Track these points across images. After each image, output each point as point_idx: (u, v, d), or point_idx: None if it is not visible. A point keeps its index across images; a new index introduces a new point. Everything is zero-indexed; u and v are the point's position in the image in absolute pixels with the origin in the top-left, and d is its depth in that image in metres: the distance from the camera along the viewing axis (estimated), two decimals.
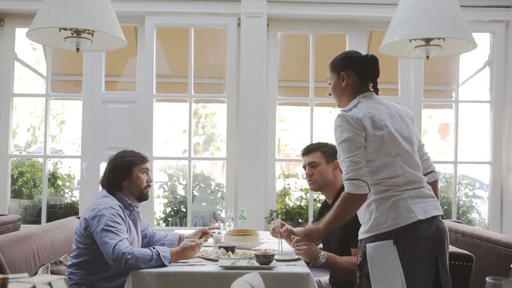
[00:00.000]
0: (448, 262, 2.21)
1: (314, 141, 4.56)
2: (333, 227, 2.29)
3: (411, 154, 2.24)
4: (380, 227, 2.14)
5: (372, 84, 2.38)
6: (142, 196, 2.79)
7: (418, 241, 2.12)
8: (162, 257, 2.44)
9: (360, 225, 2.40)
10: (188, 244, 2.58)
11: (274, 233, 2.84)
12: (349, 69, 2.35)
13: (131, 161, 2.76)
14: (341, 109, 2.30)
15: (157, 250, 2.46)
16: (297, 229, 2.56)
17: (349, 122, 2.19)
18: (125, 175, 2.74)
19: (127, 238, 2.53)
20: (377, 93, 2.38)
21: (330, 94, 2.43)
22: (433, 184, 2.36)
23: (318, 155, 2.80)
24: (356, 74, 2.35)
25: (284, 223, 2.83)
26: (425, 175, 2.33)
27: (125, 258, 2.39)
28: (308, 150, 2.86)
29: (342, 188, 2.70)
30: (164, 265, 2.44)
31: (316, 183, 2.81)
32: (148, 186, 2.81)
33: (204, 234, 2.91)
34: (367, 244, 2.16)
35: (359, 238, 2.25)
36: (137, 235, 2.82)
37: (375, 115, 2.22)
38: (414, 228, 2.12)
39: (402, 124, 2.28)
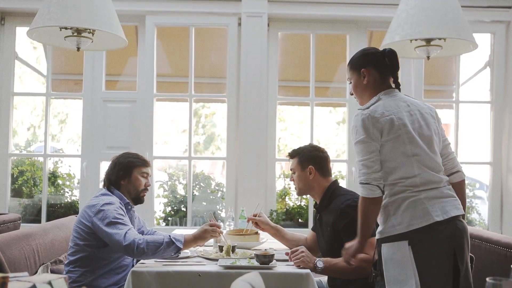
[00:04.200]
0: (469, 262, 2.19)
1: (314, 142, 4.57)
2: (367, 235, 2.23)
3: (429, 154, 2.20)
4: (395, 228, 2.13)
5: (392, 79, 2.36)
6: (138, 198, 2.84)
7: (435, 242, 2.10)
8: (173, 239, 2.48)
9: (349, 220, 2.48)
10: (204, 227, 2.63)
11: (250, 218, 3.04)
12: (369, 65, 2.33)
13: (132, 162, 2.82)
14: (359, 107, 2.29)
15: (169, 235, 2.51)
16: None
17: (364, 122, 2.18)
18: (124, 174, 2.79)
19: (133, 228, 2.59)
20: (398, 88, 2.36)
21: (352, 94, 2.42)
22: (459, 184, 2.32)
23: (295, 163, 2.85)
24: (376, 69, 2.33)
25: (262, 214, 3.08)
26: (450, 175, 2.30)
27: (137, 243, 2.43)
28: (290, 157, 2.90)
29: (329, 188, 2.74)
30: (178, 248, 2.48)
31: (297, 189, 2.87)
32: (146, 189, 2.85)
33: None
34: (382, 244, 2.17)
35: (376, 237, 2.25)
36: None
37: (394, 113, 2.20)
38: (430, 230, 2.10)
39: (422, 122, 2.24)
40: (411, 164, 2.16)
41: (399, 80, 2.38)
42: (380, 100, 2.26)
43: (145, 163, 2.85)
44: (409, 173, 2.16)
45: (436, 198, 2.15)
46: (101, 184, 4.51)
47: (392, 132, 2.17)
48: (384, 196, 2.19)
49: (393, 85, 2.36)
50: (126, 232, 2.48)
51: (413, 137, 2.19)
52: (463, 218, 2.23)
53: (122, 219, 2.57)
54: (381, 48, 3.38)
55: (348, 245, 2.30)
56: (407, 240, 2.10)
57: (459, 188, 2.31)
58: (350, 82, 2.40)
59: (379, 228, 2.22)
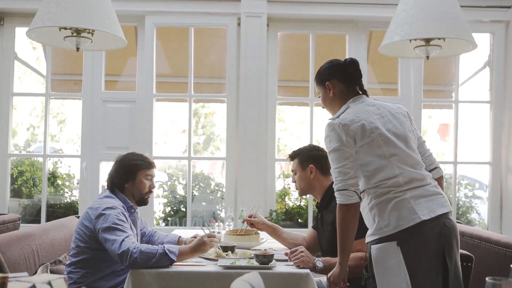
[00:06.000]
0: (459, 259, 2.19)
1: (314, 142, 4.57)
2: (346, 250, 2.23)
3: (407, 152, 2.22)
4: (383, 230, 2.14)
5: (358, 87, 2.39)
6: (142, 200, 2.81)
7: (423, 242, 2.10)
8: (167, 251, 2.38)
9: None
10: (202, 239, 2.52)
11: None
12: (332, 78, 2.38)
13: (137, 165, 2.77)
14: (330, 117, 2.32)
15: (163, 246, 2.43)
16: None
17: (336, 130, 2.20)
18: (128, 177, 2.75)
19: (132, 235, 2.53)
20: (366, 95, 2.39)
21: (323, 107, 2.46)
22: (438, 181, 2.34)
23: (295, 163, 2.88)
24: (340, 81, 2.37)
25: (258, 215, 3.09)
26: (428, 172, 2.31)
27: (131, 252, 2.36)
28: (290, 158, 2.93)
29: (330, 187, 2.75)
30: (171, 260, 2.39)
31: (299, 189, 2.90)
32: (150, 192, 2.82)
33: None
34: (372, 246, 2.17)
35: (366, 241, 2.25)
36: (137, 236, 2.83)
37: (364, 118, 2.22)
38: (418, 229, 2.10)
39: (394, 122, 2.27)
40: (391, 165, 2.18)
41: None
42: (349, 108, 2.29)
43: (149, 165, 2.80)
44: (390, 174, 2.17)
45: (422, 197, 2.16)
46: (101, 186, 4.53)
47: (365, 137, 2.19)
48: (369, 199, 2.20)
49: (360, 92, 2.38)
50: (123, 240, 2.42)
51: (388, 137, 2.21)
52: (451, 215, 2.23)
53: (122, 225, 2.51)
54: (380, 49, 3.42)
55: (330, 274, 2.28)
56: (395, 241, 2.10)
57: (439, 184, 2.31)
58: (319, 96, 2.44)
59: (369, 232, 2.22)
